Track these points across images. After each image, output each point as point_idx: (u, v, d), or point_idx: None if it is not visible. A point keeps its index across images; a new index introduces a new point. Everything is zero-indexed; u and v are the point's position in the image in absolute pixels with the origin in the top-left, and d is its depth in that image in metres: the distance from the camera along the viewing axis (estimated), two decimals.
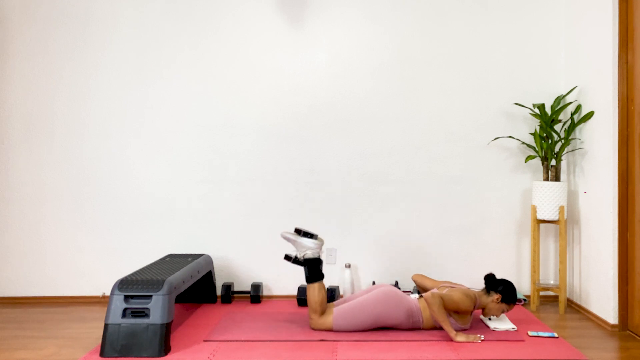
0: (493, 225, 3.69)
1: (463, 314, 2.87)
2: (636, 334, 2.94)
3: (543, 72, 3.68)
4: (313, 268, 2.93)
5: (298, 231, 3.02)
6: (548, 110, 3.63)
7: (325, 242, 3.69)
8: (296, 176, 3.69)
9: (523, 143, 3.54)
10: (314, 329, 2.92)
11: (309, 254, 2.94)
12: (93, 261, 3.67)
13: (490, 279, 2.98)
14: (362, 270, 3.70)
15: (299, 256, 2.98)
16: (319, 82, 3.69)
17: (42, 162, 3.65)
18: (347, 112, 3.69)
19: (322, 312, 2.90)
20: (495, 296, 2.93)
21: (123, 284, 2.64)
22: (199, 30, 3.68)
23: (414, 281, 3.24)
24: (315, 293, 2.89)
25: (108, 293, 3.67)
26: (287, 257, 2.99)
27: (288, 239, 3.00)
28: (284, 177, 3.69)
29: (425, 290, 3.20)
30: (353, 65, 3.69)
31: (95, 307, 3.50)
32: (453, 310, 2.82)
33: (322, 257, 2.96)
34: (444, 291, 2.82)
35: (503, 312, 2.96)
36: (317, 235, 3.00)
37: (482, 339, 2.75)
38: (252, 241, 3.69)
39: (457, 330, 2.85)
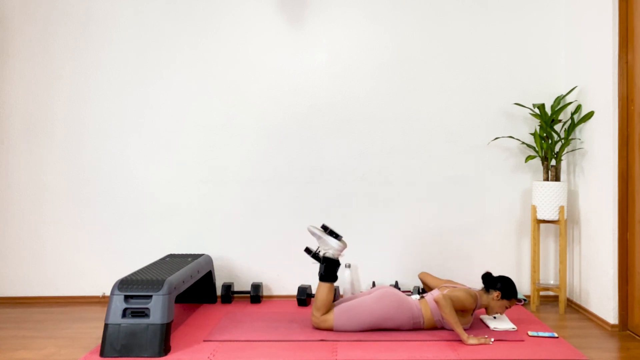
0: (493, 225, 3.69)
1: (465, 313, 2.87)
2: (636, 334, 2.93)
3: (543, 72, 3.68)
4: (330, 268, 2.93)
5: (325, 228, 3.01)
6: (548, 110, 3.63)
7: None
8: (296, 176, 3.69)
9: (523, 143, 3.54)
10: (314, 326, 2.93)
11: (330, 254, 2.95)
12: (93, 261, 3.67)
13: (487, 277, 2.99)
14: (362, 270, 3.70)
15: (320, 253, 2.98)
16: (319, 82, 3.69)
17: (42, 162, 3.65)
18: (347, 112, 3.69)
19: (326, 312, 2.90)
20: (495, 293, 2.93)
21: (123, 284, 2.64)
22: (199, 30, 3.68)
23: (420, 278, 3.26)
24: (325, 292, 2.89)
25: (108, 293, 3.67)
26: (308, 250, 2.99)
27: (314, 234, 3.00)
28: (284, 177, 3.69)
29: (429, 287, 3.21)
30: (353, 65, 3.69)
31: (95, 307, 3.50)
32: (459, 309, 2.83)
33: (341, 261, 2.97)
34: (445, 291, 2.83)
35: (506, 308, 2.94)
36: (342, 237, 2.99)
37: (493, 341, 2.75)
38: (252, 241, 3.69)
39: None
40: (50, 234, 3.66)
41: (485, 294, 2.96)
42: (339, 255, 2.98)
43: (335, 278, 2.93)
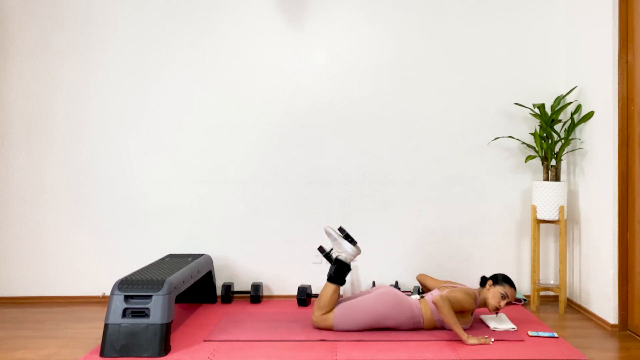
0: (493, 225, 3.69)
1: (465, 314, 2.88)
2: (636, 334, 2.94)
3: (543, 72, 3.68)
4: (340, 270, 2.95)
5: (342, 230, 3.04)
6: (548, 110, 3.63)
7: (325, 242, 3.69)
8: (296, 176, 3.69)
9: (523, 143, 3.54)
10: (314, 325, 2.94)
11: (343, 257, 2.97)
12: (93, 261, 3.67)
13: (482, 278, 3.06)
14: (362, 270, 3.70)
15: (333, 254, 3.01)
16: (319, 82, 3.69)
17: (42, 162, 3.65)
18: (347, 112, 3.69)
19: (327, 312, 2.91)
20: (488, 283, 2.97)
21: (123, 284, 2.64)
22: (199, 30, 3.68)
23: (418, 280, 3.27)
24: (330, 293, 2.90)
25: (108, 293, 3.67)
26: (322, 249, 3.03)
27: (330, 235, 3.01)
28: (284, 177, 3.69)
29: (427, 289, 3.21)
30: (353, 65, 3.69)
31: (95, 307, 3.50)
32: (458, 311, 2.83)
33: (352, 266, 3.01)
34: (444, 292, 2.83)
35: (502, 296, 2.92)
36: (357, 243, 3.00)
37: (493, 340, 2.75)
38: (252, 241, 3.69)
39: None
40: (50, 234, 3.66)
41: (482, 289, 2.99)
42: (352, 260, 3.00)
43: (343, 281, 2.95)
